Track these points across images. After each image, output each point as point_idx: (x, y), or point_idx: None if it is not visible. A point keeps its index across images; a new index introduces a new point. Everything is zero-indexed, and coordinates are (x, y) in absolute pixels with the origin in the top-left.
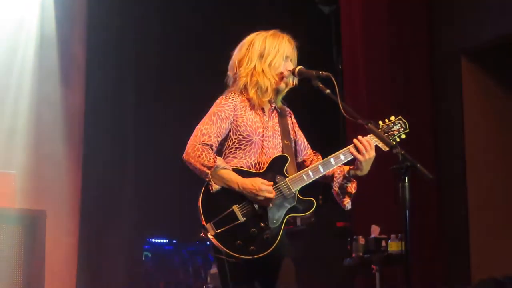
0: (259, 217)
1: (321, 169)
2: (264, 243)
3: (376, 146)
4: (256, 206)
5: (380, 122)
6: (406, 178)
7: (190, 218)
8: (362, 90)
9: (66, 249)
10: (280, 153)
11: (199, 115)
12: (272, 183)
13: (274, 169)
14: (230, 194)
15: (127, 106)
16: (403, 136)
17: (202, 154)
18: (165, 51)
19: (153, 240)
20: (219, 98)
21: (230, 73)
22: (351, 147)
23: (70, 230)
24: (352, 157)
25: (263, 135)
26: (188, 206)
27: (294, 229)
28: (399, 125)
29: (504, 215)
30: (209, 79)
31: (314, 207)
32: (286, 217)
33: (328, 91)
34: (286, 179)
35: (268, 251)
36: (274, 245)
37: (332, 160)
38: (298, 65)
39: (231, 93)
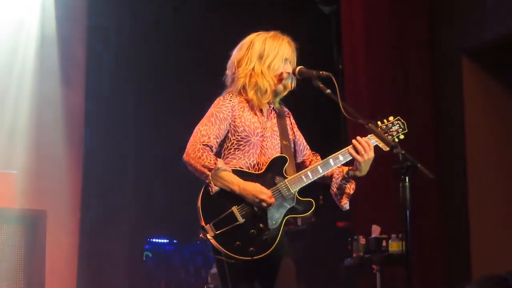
0: (259, 218)
1: (320, 170)
2: (263, 244)
3: (376, 146)
4: (255, 207)
5: (379, 123)
6: (407, 178)
7: (191, 218)
8: (362, 90)
9: (66, 248)
10: (279, 154)
11: (199, 115)
12: (271, 192)
13: (273, 170)
14: (230, 195)
15: (128, 106)
16: (402, 137)
17: (203, 155)
18: (165, 51)
19: (154, 240)
20: (217, 99)
21: (228, 72)
22: (350, 148)
23: (70, 230)
24: (351, 157)
25: (262, 135)
26: (189, 206)
27: (295, 229)
28: (398, 125)
29: (505, 215)
30: (209, 79)
31: (313, 208)
32: (286, 218)
33: (328, 91)
34: (285, 180)
35: (268, 252)
36: (274, 246)
37: (331, 161)
38: (298, 65)
39: (229, 94)
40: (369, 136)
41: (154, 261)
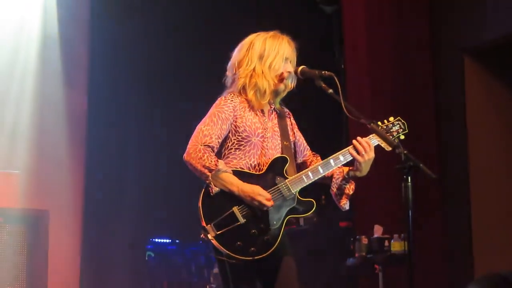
0: (259, 218)
1: (321, 170)
2: (264, 244)
3: (378, 146)
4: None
5: (379, 123)
6: (409, 177)
7: (193, 218)
8: (364, 89)
9: (69, 249)
10: (280, 154)
11: (200, 115)
12: (271, 192)
13: (274, 170)
14: (230, 196)
15: (130, 107)
16: (402, 137)
17: (204, 155)
18: (167, 52)
19: (156, 240)
20: (219, 99)
21: (228, 73)
22: (350, 148)
23: (73, 230)
24: (352, 158)
25: (263, 136)
26: (191, 205)
27: (297, 229)
28: (398, 125)
29: (507, 215)
30: (210, 80)
31: (314, 208)
32: (287, 218)
33: (331, 90)
34: (286, 180)
35: (269, 252)
36: (275, 246)
37: (331, 161)
38: (300, 65)
39: (230, 94)
40: (370, 136)
41: (156, 261)
